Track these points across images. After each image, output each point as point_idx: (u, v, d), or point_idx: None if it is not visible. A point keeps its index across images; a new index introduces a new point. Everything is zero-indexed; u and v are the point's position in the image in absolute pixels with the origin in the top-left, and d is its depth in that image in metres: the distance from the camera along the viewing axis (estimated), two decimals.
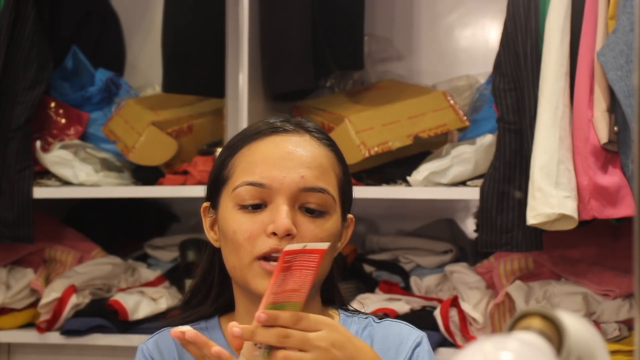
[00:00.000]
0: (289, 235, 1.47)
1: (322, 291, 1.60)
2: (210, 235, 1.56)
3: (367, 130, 2.65)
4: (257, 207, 1.49)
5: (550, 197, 2.30)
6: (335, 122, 2.70)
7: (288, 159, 1.50)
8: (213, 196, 1.55)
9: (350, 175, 1.61)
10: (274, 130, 1.53)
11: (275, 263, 1.45)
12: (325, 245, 1.34)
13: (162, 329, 1.60)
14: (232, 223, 1.50)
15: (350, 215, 1.59)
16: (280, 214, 1.47)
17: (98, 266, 2.93)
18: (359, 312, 1.63)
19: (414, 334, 1.56)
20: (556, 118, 2.33)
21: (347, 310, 1.63)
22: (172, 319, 1.63)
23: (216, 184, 1.55)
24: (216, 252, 1.57)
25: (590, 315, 2.50)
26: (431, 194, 2.62)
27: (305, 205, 1.49)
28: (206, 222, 1.57)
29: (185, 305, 1.62)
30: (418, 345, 1.55)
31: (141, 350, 1.58)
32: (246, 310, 1.53)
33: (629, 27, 2.25)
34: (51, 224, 3.02)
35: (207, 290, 1.60)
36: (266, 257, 1.47)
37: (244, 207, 1.49)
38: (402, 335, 1.56)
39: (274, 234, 1.47)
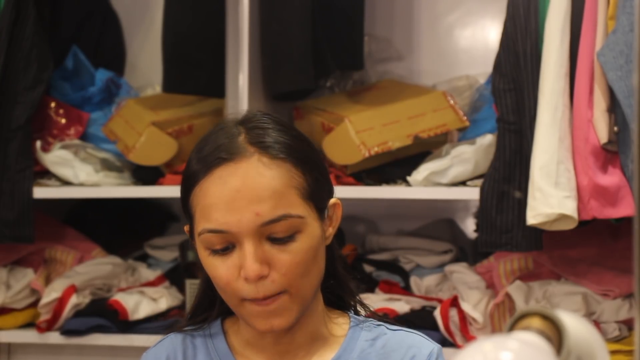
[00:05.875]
0: (262, 278, 1.44)
1: (327, 290, 1.57)
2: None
3: (367, 130, 2.65)
4: (226, 249, 1.46)
5: (550, 197, 2.30)
6: (335, 122, 2.70)
7: (239, 197, 1.43)
8: (188, 222, 1.52)
9: (323, 165, 1.54)
10: (219, 162, 1.45)
11: (261, 304, 1.44)
12: None
13: (167, 336, 1.58)
14: (209, 268, 1.48)
15: (332, 200, 1.53)
16: (247, 260, 1.43)
17: (98, 266, 2.93)
18: (370, 316, 1.59)
19: (428, 347, 1.54)
20: (556, 118, 2.33)
21: (357, 313, 1.59)
22: (177, 324, 1.61)
23: (185, 213, 1.52)
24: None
25: (590, 315, 2.50)
26: (431, 194, 2.62)
27: (271, 235, 1.44)
28: (193, 243, 1.53)
29: (191, 317, 1.60)
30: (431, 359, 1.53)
31: (144, 358, 1.57)
32: None
33: (628, 27, 2.25)
34: (51, 224, 3.02)
35: (210, 300, 1.58)
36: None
37: (214, 252, 1.46)
38: (416, 347, 1.53)
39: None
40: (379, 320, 1.59)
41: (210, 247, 1.46)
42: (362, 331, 1.55)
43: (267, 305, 1.45)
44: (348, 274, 1.61)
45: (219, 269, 1.46)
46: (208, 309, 1.59)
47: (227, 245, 1.45)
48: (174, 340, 1.56)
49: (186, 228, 1.54)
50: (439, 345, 1.55)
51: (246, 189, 1.43)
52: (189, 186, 1.49)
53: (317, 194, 1.49)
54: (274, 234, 1.44)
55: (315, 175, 1.49)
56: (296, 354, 1.53)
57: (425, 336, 1.56)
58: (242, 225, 1.43)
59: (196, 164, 1.48)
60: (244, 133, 1.48)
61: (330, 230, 1.53)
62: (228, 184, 1.44)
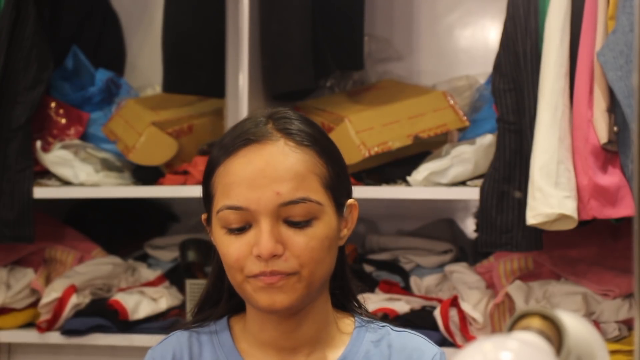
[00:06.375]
0: (275, 256, 1.45)
1: (335, 291, 1.58)
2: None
3: (367, 130, 2.65)
4: (242, 229, 1.47)
5: (550, 197, 2.30)
6: (335, 122, 2.70)
7: (261, 176, 1.46)
8: (207, 209, 1.54)
9: (344, 162, 1.56)
10: (245, 143, 1.49)
11: (268, 277, 1.45)
12: None
13: (172, 333, 1.59)
14: (221, 246, 1.49)
15: (350, 201, 1.55)
16: (263, 237, 1.45)
17: (98, 266, 2.93)
18: (374, 319, 1.60)
19: (431, 351, 1.55)
20: (556, 118, 2.33)
21: (362, 315, 1.60)
22: (180, 323, 1.63)
23: (206, 199, 1.54)
24: None
25: (590, 315, 2.50)
26: (431, 194, 2.62)
27: (289, 218, 1.46)
28: (209, 232, 1.56)
29: (199, 310, 1.61)
30: None
31: (149, 355, 1.57)
32: (257, 312, 1.53)
33: (628, 27, 2.25)
34: (51, 224, 3.02)
35: (219, 295, 1.59)
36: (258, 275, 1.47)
37: (229, 230, 1.48)
38: (420, 350, 1.54)
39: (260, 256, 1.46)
40: (383, 322, 1.60)
41: (227, 225, 1.48)
42: (367, 332, 1.56)
43: (273, 280, 1.45)
44: (354, 281, 1.62)
45: (232, 246, 1.47)
46: (215, 304, 1.59)
47: (244, 225, 1.47)
48: (180, 337, 1.57)
49: (203, 216, 1.56)
50: (442, 350, 1.56)
51: (269, 168, 1.46)
52: (212, 168, 1.52)
53: (337, 187, 1.51)
54: (292, 217, 1.46)
55: (337, 169, 1.52)
56: (301, 350, 1.53)
57: (429, 340, 1.58)
58: (262, 204, 1.45)
59: (220, 149, 1.51)
60: (272, 122, 1.51)
61: (345, 232, 1.54)
62: (252, 163, 1.47)
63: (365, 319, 1.59)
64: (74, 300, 2.80)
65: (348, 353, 1.54)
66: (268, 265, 1.45)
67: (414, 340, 1.56)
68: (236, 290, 1.52)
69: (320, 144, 1.52)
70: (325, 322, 1.55)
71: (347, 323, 1.58)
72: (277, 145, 1.48)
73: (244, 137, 1.49)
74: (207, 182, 1.53)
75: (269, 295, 1.46)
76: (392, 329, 1.57)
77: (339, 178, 1.52)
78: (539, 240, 2.43)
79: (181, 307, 2.89)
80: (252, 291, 1.47)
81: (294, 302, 1.47)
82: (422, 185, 2.61)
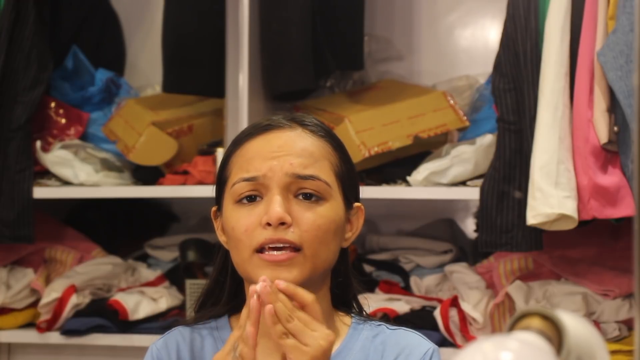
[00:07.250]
0: (283, 224, 1.49)
1: (336, 290, 1.61)
2: (222, 239, 1.59)
3: (367, 130, 2.65)
4: (253, 200, 1.52)
5: (550, 197, 2.30)
6: (335, 122, 2.70)
7: (278, 151, 1.53)
8: (219, 199, 1.58)
9: (354, 167, 1.62)
10: (266, 128, 1.56)
11: (274, 252, 1.48)
12: None
13: (173, 329, 1.62)
14: (231, 220, 1.53)
15: (358, 204, 1.60)
16: (273, 204, 1.49)
17: (98, 266, 2.93)
18: (371, 318, 1.63)
19: (424, 346, 1.57)
20: (556, 118, 2.33)
21: (360, 315, 1.63)
22: (183, 321, 1.65)
23: (219, 186, 1.59)
24: (228, 255, 1.59)
25: (590, 315, 2.50)
26: (431, 194, 2.62)
27: (300, 191, 1.52)
28: (217, 226, 1.60)
29: (199, 307, 1.63)
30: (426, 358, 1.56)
31: (150, 350, 1.60)
32: None
33: (628, 27, 2.25)
34: (51, 224, 3.02)
35: (220, 292, 1.62)
36: (264, 249, 1.49)
37: (241, 202, 1.52)
38: (413, 345, 1.57)
39: (269, 224, 1.49)
40: (380, 321, 1.63)
41: (238, 197, 1.52)
42: (364, 329, 1.59)
43: (279, 258, 1.48)
44: (356, 283, 1.65)
45: (242, 218, 1.51)
46: (216, 302, 1.62)
47: (256, 195, 1.52)
48: (182, 332, 1.60)
49: (213, 209, 1.60)
50: (436, 346, 1.59)
51: (286, 146, 1.53)
52: (229, 153, 1.58)
53: (346, 181, 1.57)
54: (302, 189, 1.51)
55: (348, 167, 1.59)
56: None
57: (423, 336, 1.60)
58: (275, 172, 1.51)
59: (238, 137, 1.59)
60: (289, 117, 1.59)
61: (350, 235, 1.59)
62: (271, 142, 1.54)
63: (361, 317, 1.62)
64: (74, 300, 2.80)
65: (344, 347, 1.57)
66: (276, 233, 1.48)
67: (408, 336, 1.59)
68: (239, 271, 1.54)
69: (335, 140, 1.59)
70: (324, 318, 1.56)
71: (345, 320, 1.61)
72: (295, 131, 1.56)
73: (264, 123, 1.57)
74: (222, 167, 1.58)
75: (273, 271, 1.49)
76: (387, 327, 1.60)
77: (349, 174, 1.58)
78: (539, 240, 2.43)
79: (181, 307, 2.89)
80: (257, 268, 1.50)
81: (298, 279, 1.49)
82: (422, 185, 2.61)
